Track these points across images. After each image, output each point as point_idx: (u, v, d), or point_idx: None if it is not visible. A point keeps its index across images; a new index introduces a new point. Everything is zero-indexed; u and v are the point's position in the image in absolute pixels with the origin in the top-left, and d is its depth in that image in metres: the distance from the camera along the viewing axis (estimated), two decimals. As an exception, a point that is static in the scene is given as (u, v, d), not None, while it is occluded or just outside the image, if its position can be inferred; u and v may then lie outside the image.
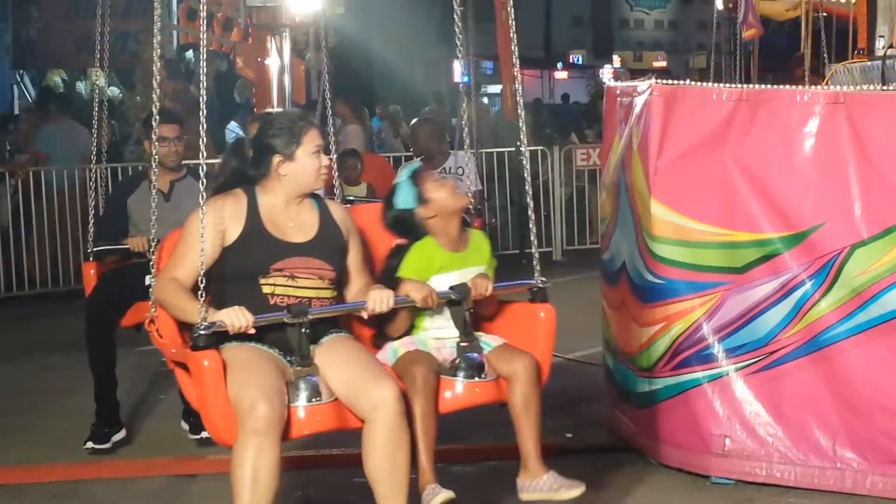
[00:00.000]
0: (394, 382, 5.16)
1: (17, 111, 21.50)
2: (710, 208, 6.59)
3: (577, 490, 5.46)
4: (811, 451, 6.47)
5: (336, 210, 5.68)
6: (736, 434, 6.59)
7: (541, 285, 5.72)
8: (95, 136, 8.13)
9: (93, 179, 7.78)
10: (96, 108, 8.18)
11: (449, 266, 5.76)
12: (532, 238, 5.85)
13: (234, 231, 5.35)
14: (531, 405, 5.51)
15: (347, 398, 5.17)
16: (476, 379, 5.54)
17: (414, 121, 11.43)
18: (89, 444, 7.63)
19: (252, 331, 5.09)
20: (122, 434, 7.74)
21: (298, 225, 5.47)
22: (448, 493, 5.33)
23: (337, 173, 6.81)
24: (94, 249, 7.90)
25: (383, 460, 5.05)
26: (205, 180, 5.11)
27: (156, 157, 5.66)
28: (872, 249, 6.29)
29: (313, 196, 5.62)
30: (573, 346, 9.91)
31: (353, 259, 5.62)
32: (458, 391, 5.54)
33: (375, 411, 5.06)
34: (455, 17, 5.84)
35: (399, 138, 19.56)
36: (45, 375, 9.93)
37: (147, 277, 7.56)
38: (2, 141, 14.79)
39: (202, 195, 5.13)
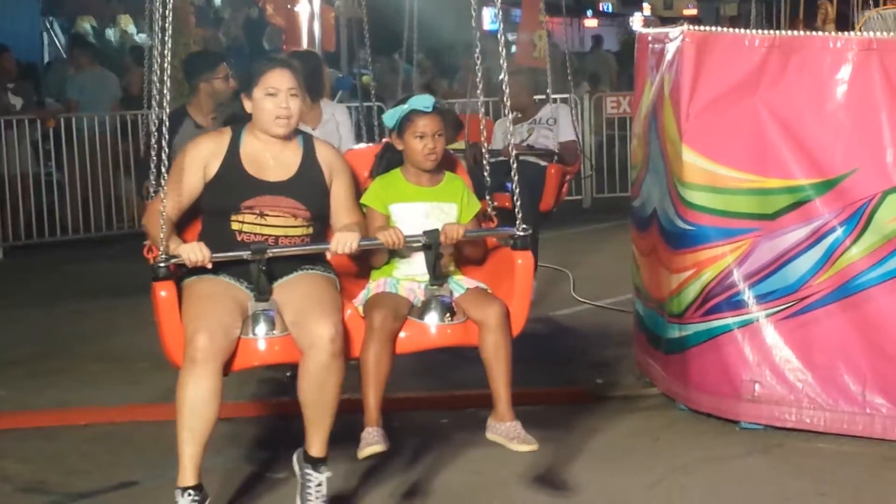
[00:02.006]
0: (333, 321, 5.29)
1: (47, 58, 21.53)
2: (741, 155, 6.59)
3: (528, 446, 5.54)
4: (841, 396, 6.49)
5: (322, 149, 5.75)
6: (766, 380, 6.61)
7: (521, 233, 5.71)
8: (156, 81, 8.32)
9: (144, 124, 7.89)
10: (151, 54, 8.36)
11: (408, 197, 5.83)
12: (514, 187, 5.77)
13: (212, 168, 5.54)
14: (501, 351, 5.56)
15: (293, 334, 5.36)
16: (444, 321, 5.62)
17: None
18: None
19: (209, 265, 5.33)
20: None
21: (280, 163, 5.60)
22: (377, 447, 5.45)
23: None
24: (157, 188, 7.98)
25: (313, 391, 5.28)
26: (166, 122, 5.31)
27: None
28: (904, 196, 6.29)
29: (303, 134, 5.73)
30: (603, 294, 9.96)
31: (338, 197, 5.70)
32: (425, 333, 5.64)
33: (311, 348, 5.26)
34: None
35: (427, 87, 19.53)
36: (78, 320, 10.02)
37: None
38: (29, 87, 14.78)
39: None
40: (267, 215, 5.50)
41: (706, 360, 6.78)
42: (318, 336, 5.24)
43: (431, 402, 7.34)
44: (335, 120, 8.18)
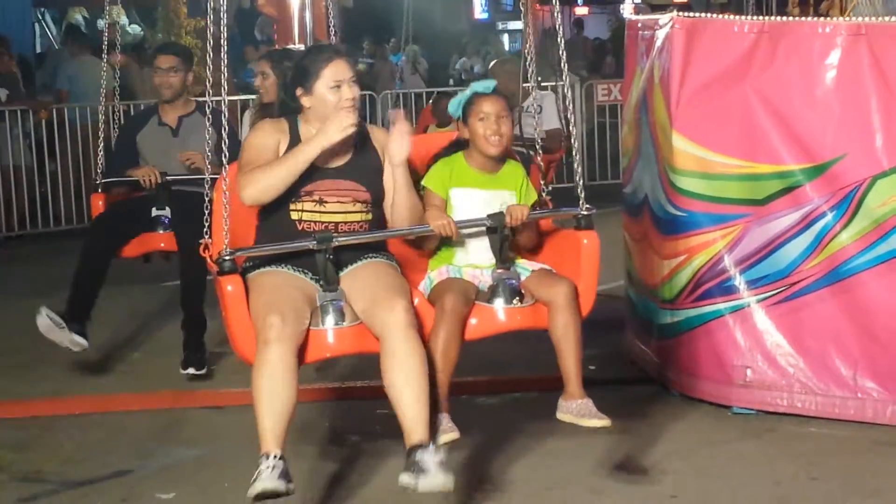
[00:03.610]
0: (404, 302, 5.20)
1: (38, 49, 21.51)
2: (731, 140, 6.61)
3: (600, 422, 5.52)
4: (832, 381, 6.52)
5: (375, 132, 5.72)
6: (757, 365, 6.64)
7: (585, 213, 5.74)
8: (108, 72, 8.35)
9: (108, 115, 7.91)
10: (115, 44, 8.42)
11: (469, 183, 5.81)
12: (576, 166, 5.87)
13: (281, 151, 5.48)
14: (570, 331, 5.55)
15: (366, 321, 5.27)
16: (513, 304, 5.60)
17: (493, 63, 11.36)
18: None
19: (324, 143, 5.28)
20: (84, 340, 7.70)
21: (335, 150, 5.50)
22: (452, 434, 5.43)
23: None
24: (103, 181, 8.02)
25: (397, 376, 5.07)
26: (211, 117, 5.26)
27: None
28: (893, 181, 6.30)
29: None
30: (595, 280, 9.94)
31: (391, 176, 5.62)
32: (494, 317, 5.60)
33: (385, 330, 5.15)
34: None
35: (417, 74, 19.59)
36: (71, 310, 9.99)
37: (153, 209, 7.65)
38: (16, 78, 14.75)
39: (208, 129, 5.26)
40: (326, 202, 5.45)
41: (698, 345, 6.81)
42: (392, 319, 5.14)
43: (485, 386, 7.30)
44: None
